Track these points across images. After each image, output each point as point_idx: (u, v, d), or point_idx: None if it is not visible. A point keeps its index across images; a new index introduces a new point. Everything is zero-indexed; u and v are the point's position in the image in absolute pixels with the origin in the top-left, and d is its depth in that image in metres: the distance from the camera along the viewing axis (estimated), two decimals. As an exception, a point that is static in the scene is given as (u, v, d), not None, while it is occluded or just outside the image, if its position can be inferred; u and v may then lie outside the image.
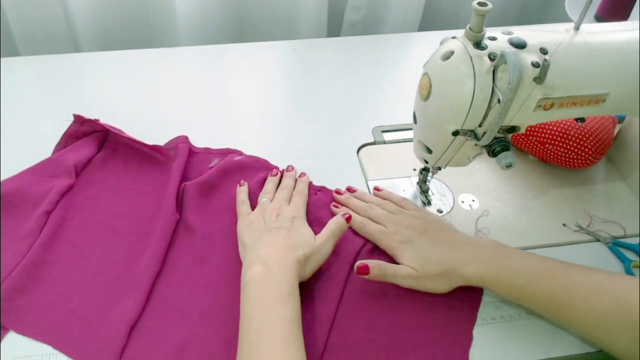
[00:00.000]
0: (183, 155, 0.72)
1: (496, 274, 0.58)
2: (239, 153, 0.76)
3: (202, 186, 0.70)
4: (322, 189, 0.72)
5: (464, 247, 0.61)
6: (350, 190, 0.72)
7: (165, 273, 0.62)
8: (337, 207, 0.70)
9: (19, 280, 0.59)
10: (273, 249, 0.58)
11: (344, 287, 0.62)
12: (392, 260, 0.63)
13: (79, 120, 0.75)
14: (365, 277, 0.60)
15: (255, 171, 0.73)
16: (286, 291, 0.54)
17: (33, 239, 0.63)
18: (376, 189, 0.72)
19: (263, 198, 0.68)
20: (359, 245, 0.65)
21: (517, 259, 0.59)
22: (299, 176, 0.73)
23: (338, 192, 0.71)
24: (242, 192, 0.69)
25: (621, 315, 0.53)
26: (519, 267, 0.58)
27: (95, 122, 0.74)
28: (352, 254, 0.64)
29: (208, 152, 0.76)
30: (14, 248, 0.62)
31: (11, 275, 0.59)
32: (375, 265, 0.60)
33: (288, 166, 0.73)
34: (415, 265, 0.60)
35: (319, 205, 0.70)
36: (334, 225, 0.63)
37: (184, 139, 0.75)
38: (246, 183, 0.70)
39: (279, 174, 0.72)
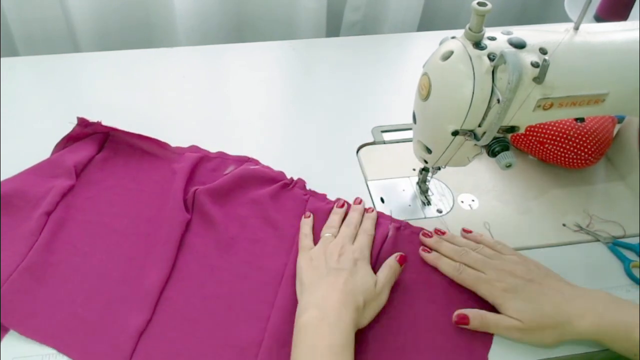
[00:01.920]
0: (187, 161, 0.72)
1: (613, 327, 0.55)
2: (255, 162, 0.75)
3: (215, 192, 0.69)
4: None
5: (577, 299, 0.57)
6: (438, 232, 0.67)
7: (174, 278, 0.62)
8: (427, 251, 0.65)
9: (21, 281, 0.59)
10: (331, 293, 0.55)
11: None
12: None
13: (82, 123, 0.74)
14: (465, 327, 0.59)
15: (269, 182, 0.72)
16: (341, 344, 0.51)
17: (33, 240, 0.62)
18: (465, 230, 0.68)
19: (326, 232, 0.64)
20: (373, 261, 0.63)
21: (632, 310, 0.56)
22: (367, 211, 0.68)
23: (425, 234, 0.67)
24: (306, 225, 0.66)
25: None
26: (635, 318, 0.55)
27: (98, 125, 0.74)
28: None
29: (224, 158, 0.75)
30: (15, 248, 0.62)
31: (13, 276, 0.59)
32: (477, 316, 0.59)
33: (356, 198, 0.69)
34: (521, 316, 0.57)
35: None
36: (390, 272, 0.61)
37: (195, 149, 0.75)
38: (312, 215, 0.67)
39: (345, 206, 0.68)
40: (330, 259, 0.60)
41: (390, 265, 0.61)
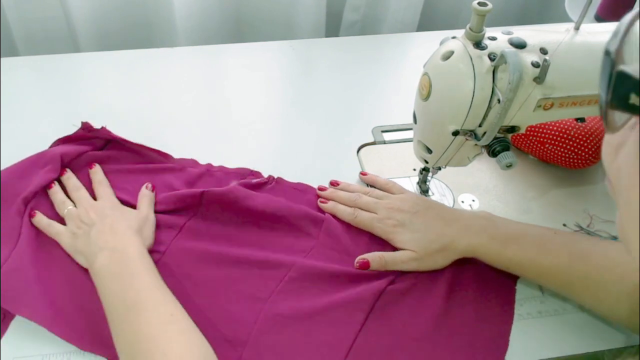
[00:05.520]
0: (188, 176, 0.72)
1: (486, 243, 0.60)
2: (257, 174, 0.73)
3: (223, 195, 0.67)
4: (301, 187, 0.72)
5: (456, 221, 0.62)
6: (333, 184, 0.72)
7: (171, 262, 0.62)
8: (324, 202, 0.69)
9: (14, 267, 0.60)
10: (109, 235, 0.59)
11: (368, 314, 0.60)
12: (391, 248, 0.64)
13: (86, 127, 0.74)
14: (367, 270, 0.62)
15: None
16: (136, 256, 0.57)
17: (18, 227, 0.63)
18: (362, 173, 0.73)
19: (64, 210, 0.65)
20: (384, 284, 0.63)
21: (507, 228, 0.61)
22: (89, 168, 0.70)
23: (321, 188, 0.71)
24: (43, 219, 0.65)
25: (604, 280, 0.55)
26: (508, 236, 0.60)
27: (102, 131, 0.74)
28: (379, 283, 0.62)
29: (225, 172, 0.73)
30: (5, 237, 0.62)
31: (7, 263, 0.60)
32: (375, 258, 0.62)
33: (62, 170, 0.69)
34: (414, 246, 0.62)
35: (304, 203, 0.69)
36: (146, 198, 0.66)
37: (194, 163, 0.74)
38: (56, 184, 0.67)
39: (55, 185, 0.67)
40: (88, 220, 0.62)
41: (143, 194, 0.67)
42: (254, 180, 0.71)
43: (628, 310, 0.54)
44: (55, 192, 0.67)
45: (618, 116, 0.29)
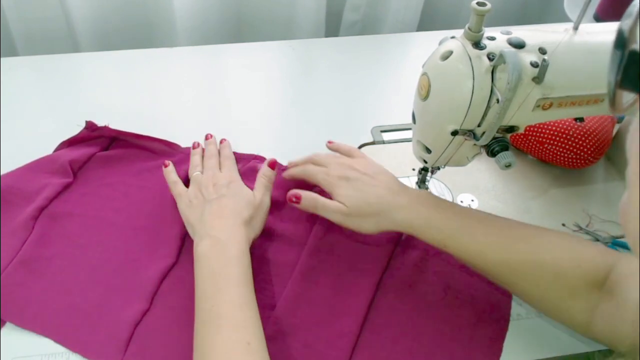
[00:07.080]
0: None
1: (426, 219, 0.59)
2: (262, 159, 0.75)
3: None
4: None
5: (401, 194, 0.61)
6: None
7: (177, 269, 0.62)
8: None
9: (15, 274, 0.59)
10: (218, 220, 0.59)
11: (369, 305, 0.60)
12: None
13: (91, 127, 0.75)
14: (297, 206, 0.63)
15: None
16: (235, 255, 0.56)
17: (27, 234, 0.63)
18: (329, 142, 0.72)
19: (194, 172, 0.68)
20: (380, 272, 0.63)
21: (450, 207, 0.60)
22: (220, 142, 0.74)
23: (291, 164, 0.70)
24: (171, 173, 0.68)
25: (542, 260, 0.55)
26: (450, 215, 0.59)
27: (106, 129, 0.74)
28: (378, 274, 0.63)
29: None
30: (8, 243, 0.62)
31: (7, 269, 0.60)
32: (308, 196, 0.62)
33: (206, 135, 0.74)
34: (347, 201, 0.60)
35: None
36: (264, 179, 0.66)
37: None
38: (171, 163, 0.70)
39: (200, 146, 0.73)
40: (206, 192, 0.64)
41: (263, 173, 0.66)
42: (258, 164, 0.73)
43: (561, 294, 0.54)
44: (195, 153, 0.71)
45: (625, 96, 0.28)
